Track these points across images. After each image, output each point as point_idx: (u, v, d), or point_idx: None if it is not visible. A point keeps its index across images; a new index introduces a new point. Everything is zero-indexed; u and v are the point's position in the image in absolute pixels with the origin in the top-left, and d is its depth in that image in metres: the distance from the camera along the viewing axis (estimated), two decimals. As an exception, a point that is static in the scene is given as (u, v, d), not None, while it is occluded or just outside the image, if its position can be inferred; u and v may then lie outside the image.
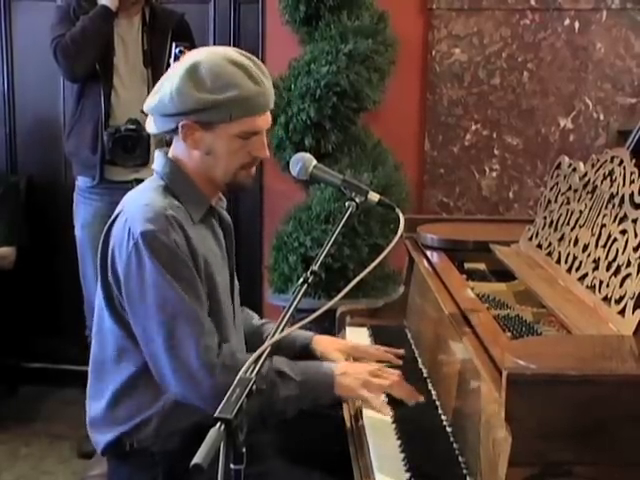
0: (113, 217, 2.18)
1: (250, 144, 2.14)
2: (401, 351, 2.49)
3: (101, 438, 2.22)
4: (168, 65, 3.57)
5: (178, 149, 2.19)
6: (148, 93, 2.25)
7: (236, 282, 2.38)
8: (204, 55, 2.12)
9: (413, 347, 2.60)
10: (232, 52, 2.15)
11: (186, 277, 2.07)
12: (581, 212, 2.23)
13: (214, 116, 2.08)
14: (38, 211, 4.54)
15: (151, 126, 2.20)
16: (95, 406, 2.23)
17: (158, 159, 2.22)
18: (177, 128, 2.11)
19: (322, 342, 2.45)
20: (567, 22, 4.18)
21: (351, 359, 2.42)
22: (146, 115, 2.21)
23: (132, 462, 2.19)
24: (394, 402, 2.17)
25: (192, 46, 3.46)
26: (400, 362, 2.43)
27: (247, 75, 2.09)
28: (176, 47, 3.51)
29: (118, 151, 3.68)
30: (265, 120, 2.16)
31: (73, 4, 3.76)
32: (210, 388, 2.03)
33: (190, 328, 2.05)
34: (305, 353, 2.43)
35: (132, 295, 2.08)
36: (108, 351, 2.20)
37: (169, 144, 2.24)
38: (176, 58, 3.45)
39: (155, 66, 3.73)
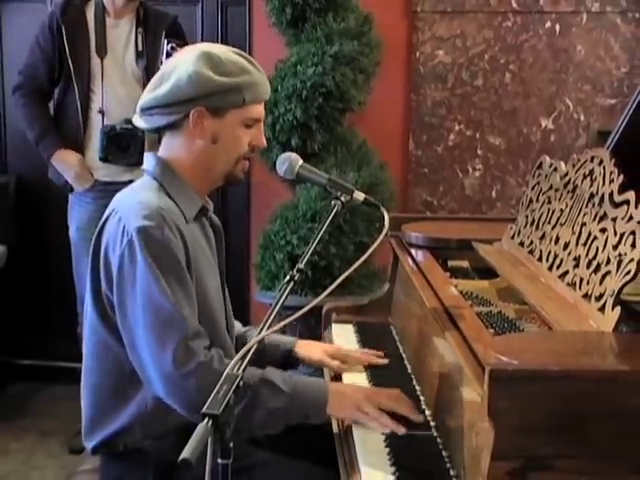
0: (104, 218, 2.14)
1: (251, 133, 2.17)
2: (383, 360, 2.46)
3: (88, 442, 2.19)
4: (161, 63, 3.59)
5: (174, 144, 2.18)
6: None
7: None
8: (207, 45, 2.17)
9: (398, 344, 2.61)
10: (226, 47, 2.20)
11: (178, 275, 2.02)
12: (562, 211, 2.25)
13: (227, 100, 2.10)
14: (28, 210, 4.56)
15: (142, 123, 2.18)
16: (83, 408, 2.21)
17: (148, 159, 2.21)
18: (184, 118, 2.11)
19: (305, 347, 2.45)
20: (548, 25, 4.22)
21: (337, 361, 2.42)
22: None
23: (124, 460, 2.16)
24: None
25: (185, 45, 3.48)
26: (385, 361, 2.45)
27: (249, 63, 2.15)
28: (168, 43, 3.54)
29: (112, 149, 3.68)
30: (263, 109, 2.20)
31: (57, 14, 3.75)
32: (195, 392, 1.95)
33: (175, 331, 1.98)
34: (289, 358, 2.43)
35: (122, 294, 2.03)
36: (89, 350, 2.17)
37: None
38: (168, 55, 3.48)
39: (149, 66, 3.74)
